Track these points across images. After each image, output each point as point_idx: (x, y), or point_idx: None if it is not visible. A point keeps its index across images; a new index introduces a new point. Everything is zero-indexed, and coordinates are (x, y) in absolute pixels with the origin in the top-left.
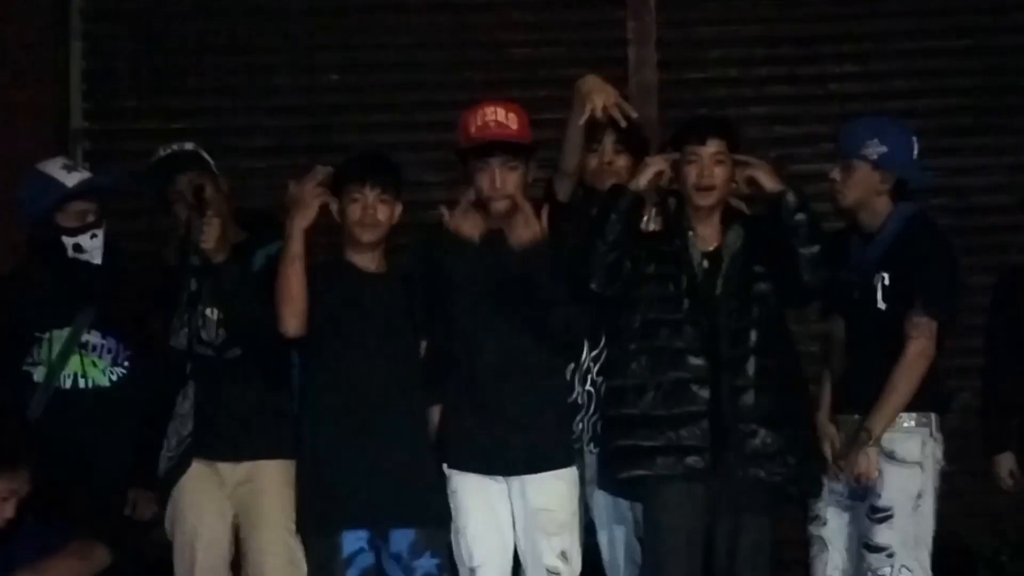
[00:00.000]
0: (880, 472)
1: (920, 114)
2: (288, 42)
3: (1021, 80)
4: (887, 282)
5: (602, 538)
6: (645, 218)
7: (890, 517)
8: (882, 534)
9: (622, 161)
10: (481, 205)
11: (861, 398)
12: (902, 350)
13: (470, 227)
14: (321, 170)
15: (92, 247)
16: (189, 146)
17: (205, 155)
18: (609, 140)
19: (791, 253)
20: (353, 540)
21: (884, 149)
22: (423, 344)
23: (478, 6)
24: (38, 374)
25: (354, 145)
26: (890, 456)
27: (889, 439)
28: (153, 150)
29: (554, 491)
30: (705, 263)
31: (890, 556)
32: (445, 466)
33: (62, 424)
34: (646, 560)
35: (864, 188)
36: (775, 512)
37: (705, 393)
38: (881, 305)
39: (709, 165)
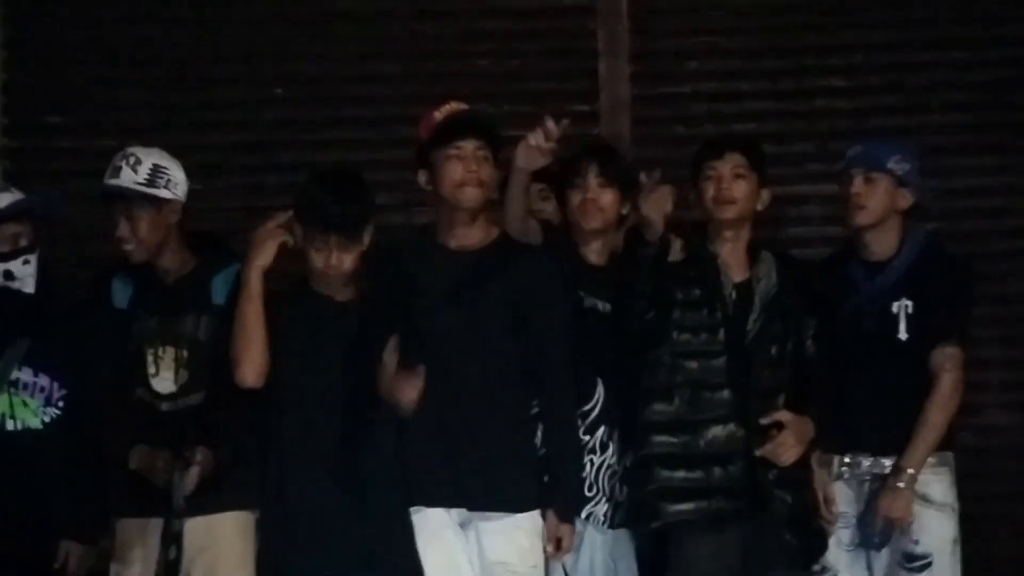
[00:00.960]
0: (914, 516)
1: (915, 132)
2: (228, 52)
3: None
4: (911, 311)
5: None
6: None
7: (929, 565)
8: None
9: (608, 197)
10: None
11: (878, 437)
12: (926, 383)
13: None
14: (282, 216)
15: (24, 274)
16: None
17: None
18: (592, 174)
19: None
20: None
21: (907, 166)
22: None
23: (436, 13)
24: None
25: (301, 165)
26: (924, 499)
27: (923, 480)
28: (79, 170)
29: (513, 541)
30: (734, 294)
31: None
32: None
33: None
34: None
35: (886, 205)
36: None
37: (741, 432)
38: (903, 336)
39: (728, 177)
